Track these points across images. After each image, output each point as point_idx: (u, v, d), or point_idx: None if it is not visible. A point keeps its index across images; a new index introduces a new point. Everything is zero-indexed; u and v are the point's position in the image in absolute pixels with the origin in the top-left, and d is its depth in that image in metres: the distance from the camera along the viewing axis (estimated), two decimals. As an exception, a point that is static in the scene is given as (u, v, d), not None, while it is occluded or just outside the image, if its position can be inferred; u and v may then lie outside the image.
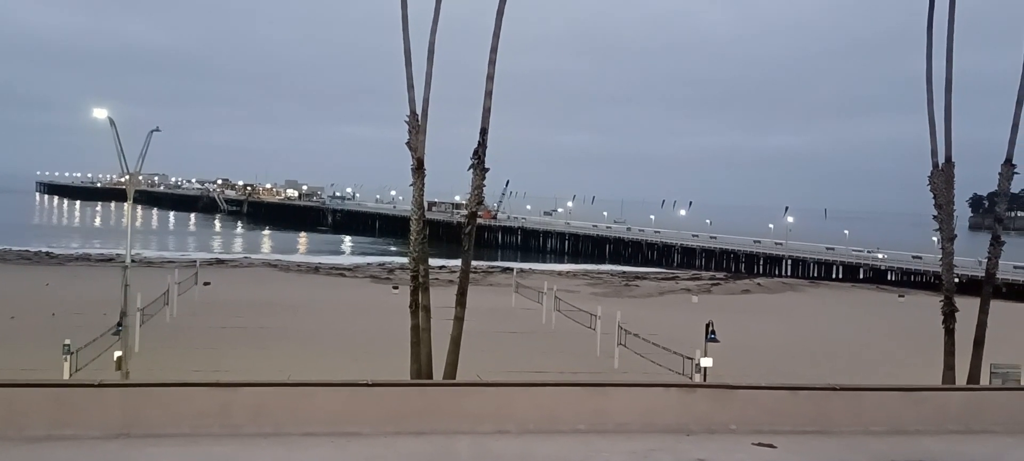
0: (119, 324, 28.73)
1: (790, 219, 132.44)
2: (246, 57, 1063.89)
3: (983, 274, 28.65)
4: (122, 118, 31.26)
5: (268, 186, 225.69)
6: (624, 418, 15.27)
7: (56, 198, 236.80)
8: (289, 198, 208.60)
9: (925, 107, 25.69)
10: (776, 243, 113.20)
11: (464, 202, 34.23)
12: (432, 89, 24.49)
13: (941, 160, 25.65)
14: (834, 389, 16.57)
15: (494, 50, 24.25)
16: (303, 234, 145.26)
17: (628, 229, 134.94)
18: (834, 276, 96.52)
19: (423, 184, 24.78)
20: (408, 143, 24.73)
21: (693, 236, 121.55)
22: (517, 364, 32.34)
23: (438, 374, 24.06)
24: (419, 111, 24.53)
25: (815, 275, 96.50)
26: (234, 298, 52.97)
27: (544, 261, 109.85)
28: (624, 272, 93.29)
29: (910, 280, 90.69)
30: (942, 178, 25.66)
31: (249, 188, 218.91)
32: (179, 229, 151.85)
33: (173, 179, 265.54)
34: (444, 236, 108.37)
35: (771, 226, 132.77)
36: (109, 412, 14.14)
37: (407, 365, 24.62)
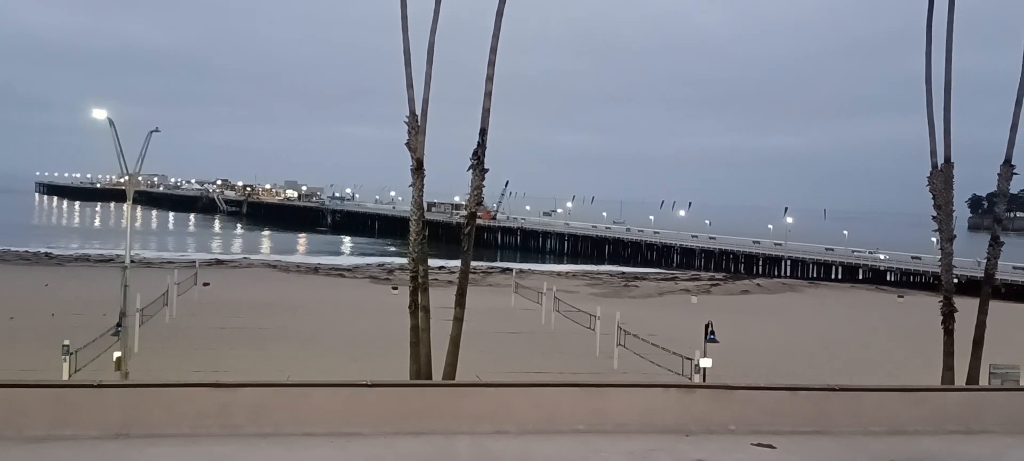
0: (118, 324, 28.75)
1: (789, 219, 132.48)
2: (246, 57, 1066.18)
3: (982, 275, 28.65)
4: (122, 118, 31.36)
5: (267, 187, 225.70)
6: (623, 418, 15.26)
7: (55, 198, 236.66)
8: (288, 199, 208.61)
9: (924, 107, 25.72)
10: (775, 244, 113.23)
11: (463, 203, 34.20)
12: (432, 89, 24.49)
13: (940, 160, 25.65)
14: (833, 389, 16.56)
15: (494, 50, 24.23)
16: (302, 235, 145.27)
17: (627, 229, 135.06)
18: (833, 277, 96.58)
19: (422, 184, 24.77)
20: (407, 143, 24.72)
21: (692, 237, 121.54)
22: (516, 364, 32.33)
23: (437, 374, 24.05)
24: (419, 111, 24.53)
25: (814, 276, 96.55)
26: (233, 299, 52.96)
27: (543, 261, 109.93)
28: (623, 273, 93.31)
29: (909, 280, 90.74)
30: (941, 178, 25.66)
31: (248, 189, 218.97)
32: (178, 230, 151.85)
33: (172, 180, 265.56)
34: (443, 236, 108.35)
35: (770, 227, 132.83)
36: (108, 412, 14.13)
37: (406, 365, 24.60)
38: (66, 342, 25.89)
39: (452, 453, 13.97)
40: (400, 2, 24.59)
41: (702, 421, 15.43)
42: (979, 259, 51.39)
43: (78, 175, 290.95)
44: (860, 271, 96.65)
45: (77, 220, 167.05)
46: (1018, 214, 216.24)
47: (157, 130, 36.64)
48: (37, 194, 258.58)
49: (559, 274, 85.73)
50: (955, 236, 26.31)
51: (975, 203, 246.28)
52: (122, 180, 36.01)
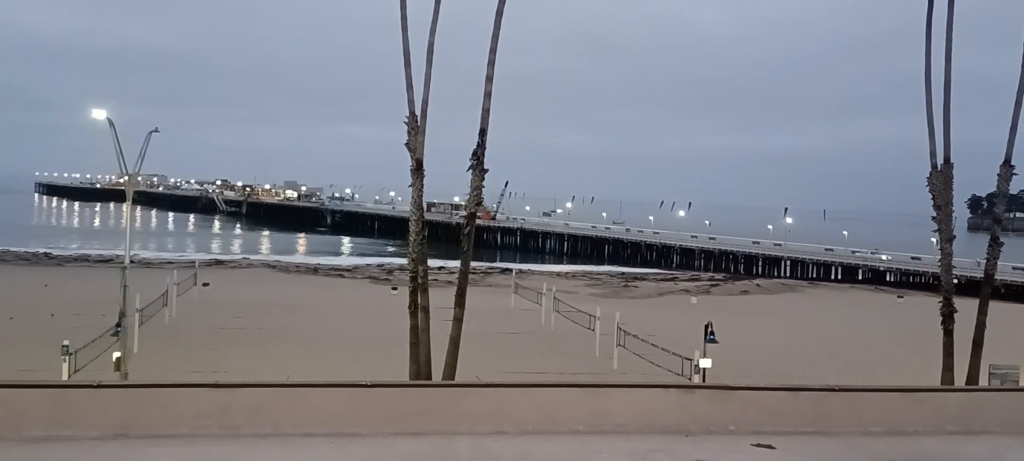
0: (118, 325, 28.74)
1: (789, 220, 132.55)
2: (246, 57, 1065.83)
3: (982, 275, 28.65)
4: (121, 118, 31.38)
5: (267, 187, 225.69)
6: (623, 419, 15.26)
7: (55, 199, 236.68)
8: (288, 199, 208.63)
9: (924, 107, 25.72)
10: (775, 244, 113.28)
11: (463, 203, 34.19)
12: (431, 90, 24.47)
13: (940, 161, 25.65)
14: (833, 390, 16.55)
15: (493, 51, 24.22)
16: (302, 235, 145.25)
17: (627, 230, 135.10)
18: (833, 277, 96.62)
19: (422, 185, 24.75)
20: (407, 144, 24.70)
21: (692, 237, 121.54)
22: (516, 365, 32.32)
23: (437, 375, 24.04)
24: (418, 112, 24.51)
25: (814, 276, 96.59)
26: (233, 299, 52.95)
27: (543, 262, 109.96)
28: (623, 273, 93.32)
29: (909, 281, 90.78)
30: (941, 179, 25.66)
31: (248, 189, 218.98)
32: (178, 230, 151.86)
33: (172, 180, 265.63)
34: (443, 237, 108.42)
35: (770, 227, 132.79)
36: (108, 413, 14.12)
37: (406, 366, 24.59)
38: (65, 342, 25.89)
39: (452, 453, 13.96)
40: (400, 2, 24.58)
41: (702, 421, 15.42)
42: (979, 259, 51.40)
43: (78, 175, 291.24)
44: (860, 271, 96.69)
45: (77, 220, 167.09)
46: (1018, 214, 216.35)
47: (157, 130, 36.75)
48: (37, 194, 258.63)
49: (559, 274, 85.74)
50: (955, 236, 26.30)
51: (975, 203, 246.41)
52: (122, 180, 36.04)
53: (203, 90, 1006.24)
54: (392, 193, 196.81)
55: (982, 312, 26.10)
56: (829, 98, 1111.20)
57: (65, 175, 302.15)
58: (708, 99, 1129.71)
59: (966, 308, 26.74)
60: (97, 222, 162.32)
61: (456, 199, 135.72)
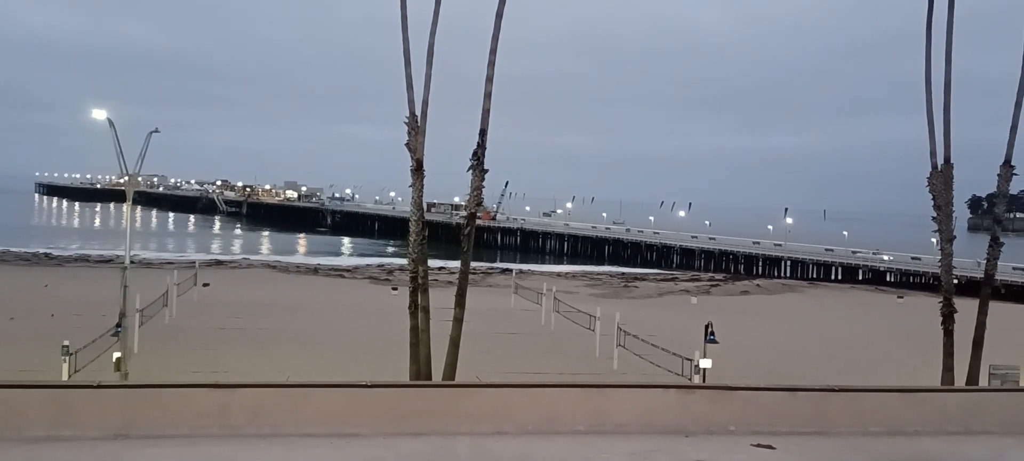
0: (118, 325, 28.72)
1: (789, 220, 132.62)
2: (246, 57, 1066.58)
3: (982, 275, 28.64)
4: (121, 118, 31.37)
5: (267, 187, 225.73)
6: (623, 419, 15.26)
7: (55, 199, 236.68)
8: (288, 199, 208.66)
9: (924, 108, 25.71)
10: (775, 244, 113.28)
11: (463, 203, 34.20)
12: (431, 90, 24.47)
13: (940, 161, 25.64)
14: (833, 390, 16.56)
15: (493, 51, 24.22)
16: (302, 235, 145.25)
17: (627, 230, 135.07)
18: (833, 277, 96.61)
19: (422, 185, 24.75)
20: (407, 144, 24.70)
21: (692, 237, 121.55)
22: (516, 365, 32.33)
23: (437, 375, 24.04)
24: (418, 112, 24.51)
25: (814, 276, 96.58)
26: (233, 299, 52.95)
27: (543, 262, 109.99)
28: (623, 273, 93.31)
29: (909, 281, 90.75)
30: (941, 179, 25.65)
31: (248, 189, 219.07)
32: (178, 230, 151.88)
33: (172, 180, 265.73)
34: (443, 237, 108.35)
35: (770, 227, 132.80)
36: (108, 413, 14.12)
37: (406, 366, 24.59)
38: (66, 343, 25.88)
39: (452, 454, 13.97)
40: (400, 2, 24.58)
41: (702, 422, 15.43)
42: (979, 260, 51.43)
43: (78, 175, 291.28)
44: (860, 272, 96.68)
45: (77, 220, 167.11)
46: (1018, 215, 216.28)
47: (157, 130, 36.65)
48: (37, 194, 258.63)
49: (559, 275, 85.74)
50: (955, 237, 26.29)
51: (975, 204, 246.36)
52: (122, 180, 36.04)
53: (203, 90, 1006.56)
54: (392, 193, 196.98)
55: (982, 312, 26.09)
56: (829, 98, 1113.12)
57: (65, 175, 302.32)
58: (708, 99, 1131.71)
59: (966, 308, 26.73)
60: (97, 222, 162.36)
61: (456, 199, 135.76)
